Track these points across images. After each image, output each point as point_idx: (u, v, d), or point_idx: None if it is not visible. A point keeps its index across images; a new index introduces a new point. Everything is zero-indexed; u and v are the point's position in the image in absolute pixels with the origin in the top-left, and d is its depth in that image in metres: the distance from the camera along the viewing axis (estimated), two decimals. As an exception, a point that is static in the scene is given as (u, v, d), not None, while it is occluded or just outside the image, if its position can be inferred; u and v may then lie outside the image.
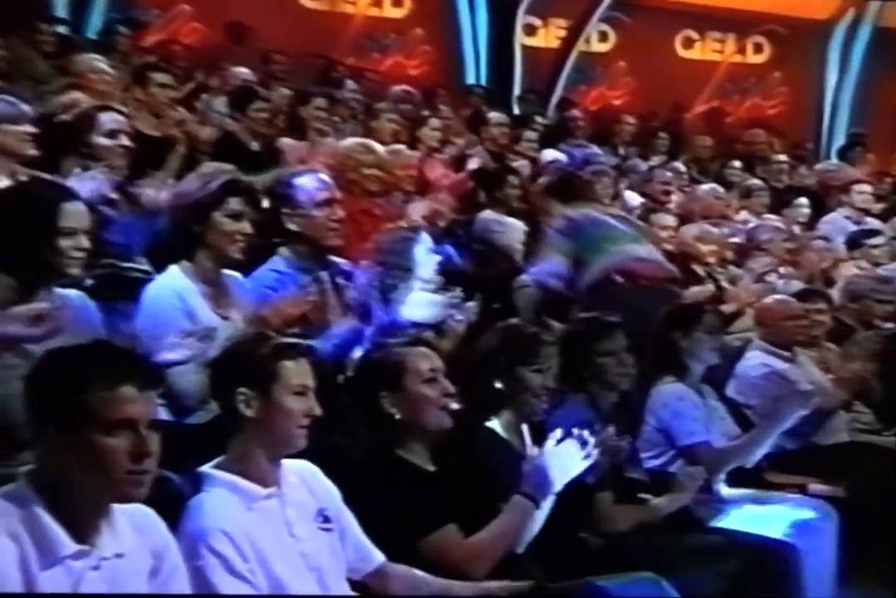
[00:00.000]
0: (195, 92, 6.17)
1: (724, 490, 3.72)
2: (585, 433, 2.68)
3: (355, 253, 3.63)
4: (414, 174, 5.05)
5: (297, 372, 2.33)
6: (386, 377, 2.64)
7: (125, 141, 4.11)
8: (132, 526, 1.97)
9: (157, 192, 4.15)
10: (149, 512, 2.02)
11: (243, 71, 6.68)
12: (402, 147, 5.25)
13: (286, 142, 5.40)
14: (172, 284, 2.98)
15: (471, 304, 3.54)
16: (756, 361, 4.54)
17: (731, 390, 4.45)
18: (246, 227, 3.01)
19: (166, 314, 2.91)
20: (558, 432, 2.68)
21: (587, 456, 2.69)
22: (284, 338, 2.45)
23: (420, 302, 3.31)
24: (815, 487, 4.07)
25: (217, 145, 5.10)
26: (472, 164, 5.79)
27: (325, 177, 3.51)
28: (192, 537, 2.15)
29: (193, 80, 6.47)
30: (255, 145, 5.36)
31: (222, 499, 2.23)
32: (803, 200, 6.92)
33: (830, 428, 4.45)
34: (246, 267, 3.23)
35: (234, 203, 3.00)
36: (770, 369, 4.47)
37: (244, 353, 2.38)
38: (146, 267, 3.78)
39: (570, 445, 2.66)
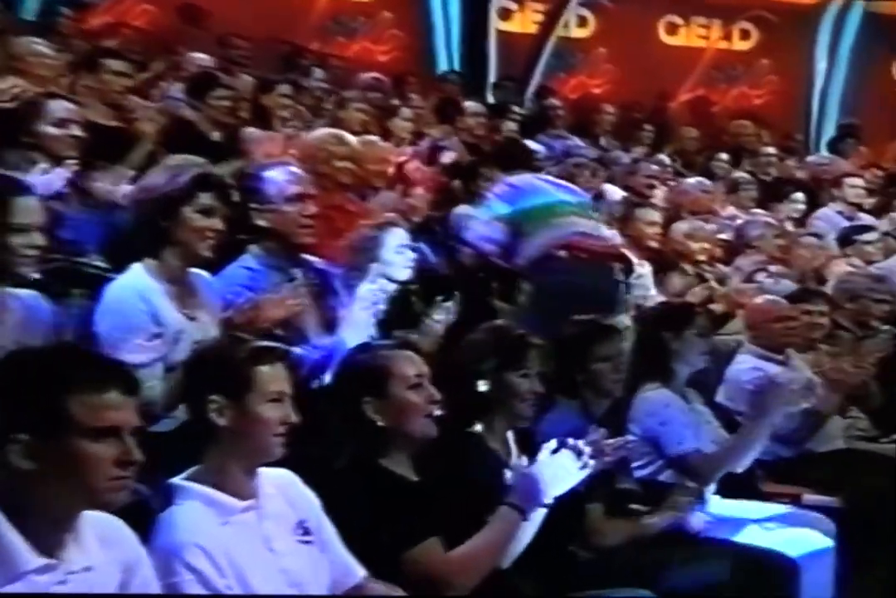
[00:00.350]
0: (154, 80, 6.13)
1: (718, 504, 3.76)
2: (581, 444, 2.68)
3: (328, 251, 3.64)
4: (387, 167, 5.05)
5: (273, 378, 2.31)
6: (370, 382, 2.62)
7: (76, 131, 4.08)
8: (99, 539, 1.96)
9: (113, 186, 4.15)
10: (119, 524, 2.01)
11: (201, 56, 6.61)
12: (375, 138, 5.25)
13: (251, 132, 5.38)
14: (135, 284, 2.97)
15: (449, 304, 3.55)
16: (747, 365, 4.56)
17: (720, 396, 4.48)
18: (217, 223, 3.00)
19: (129, 316, 2.91)
20: (553, 443, 2.67)
21: (583, 467, 2.69)
22: (259, 341, 2.44)
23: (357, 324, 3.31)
24: (810, 497, 4.12)
25: (174, 136, 5.06)
26: (447, 158, 5.79)
27: (296, 170, 3.51)
28: (165, 552, 2.13)
29: (148, 66, 6.41)
30: (215, 136, 5.34)
31: (196, 513, 2.22)
32: (799, 195, 6.97)
33: (825, 434, 4.48)
34: (210, 266, 3.23)
35: (205, 198, 2.99)
36: (761, 373, 4.48)
37: (217, 357, 2.37)
38: (101, 264, 3.77)
39: (565, 456, 2.66)
